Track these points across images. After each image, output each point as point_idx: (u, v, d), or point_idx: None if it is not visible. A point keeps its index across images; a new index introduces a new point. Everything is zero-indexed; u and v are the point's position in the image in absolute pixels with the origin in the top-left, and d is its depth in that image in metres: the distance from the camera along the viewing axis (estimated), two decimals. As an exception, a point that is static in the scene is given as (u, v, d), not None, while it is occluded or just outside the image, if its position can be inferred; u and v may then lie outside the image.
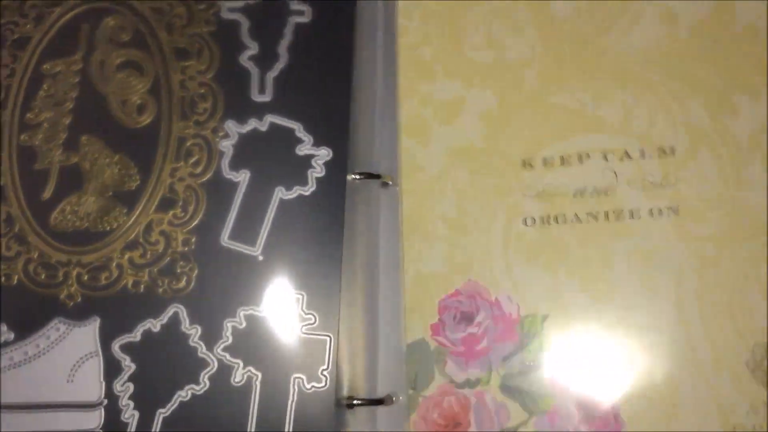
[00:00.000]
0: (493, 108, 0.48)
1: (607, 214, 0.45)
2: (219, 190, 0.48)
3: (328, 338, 0.47)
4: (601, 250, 0.45)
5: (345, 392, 0.46)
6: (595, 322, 0.45)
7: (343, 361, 0.46)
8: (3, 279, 0.47)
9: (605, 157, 0.46)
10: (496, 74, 0.49)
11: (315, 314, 0.47)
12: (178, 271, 0.47)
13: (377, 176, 0.48)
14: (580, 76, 0.47)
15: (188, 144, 0.49)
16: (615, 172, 0.46)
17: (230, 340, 0.46)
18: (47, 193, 0.48)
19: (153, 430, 0.45)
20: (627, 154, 0.46)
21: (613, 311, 0.45)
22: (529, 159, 0.47)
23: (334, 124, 0.49)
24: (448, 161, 0.48)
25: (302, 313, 0.47)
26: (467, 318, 0.46)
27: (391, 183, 0.49)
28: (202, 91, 0.49)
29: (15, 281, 0.47)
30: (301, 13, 0.50)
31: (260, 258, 0.47)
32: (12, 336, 0.46)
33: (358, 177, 0.48)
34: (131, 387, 0.46)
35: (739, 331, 0.43)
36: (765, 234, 0.43)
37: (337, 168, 0.48)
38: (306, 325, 0.47)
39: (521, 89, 0.48)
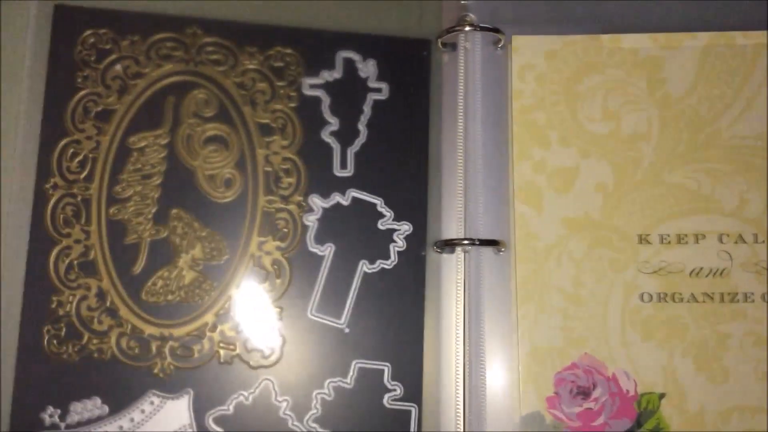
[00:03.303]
0: (608, 180, 0.46)
1: (722, 296, 0.44)
2: (305, 264, 0.46)
3: (412, 409, 0.45)
4: (717, 331, 0.44)
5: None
6: (710, 404, 0.43)
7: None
8: (96, 353, 0.43)
9: (720, 239, 0.45)
10: (611, 146, 0.47)
11: (400, 385, 0.45)
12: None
13: (495, 243, 0.46)
14: (695, 155, 0.46)
15: (274, 218, 0.45)
16: (730, 255, 0.43)
17: (319, 412, 0.44)
18: (138, 267, 0.44)
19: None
20: (741, 238, 0.44)
21: (728, 394, 0.43)
22: (645, 235, 0.45)
23: (413, 198, 0.48)
24: (563, 231, 0.46)
25: (387, 384, 0.45)
26: (584, 392, 0.44)
27: (503, 250, 0.46)
28: (287, 166, 0.46)
29: (108, 355, 0.43)
30: (379, 91, 0.49)
31: (346, 330, 0.45)
32: (107, 410, 0.43)
33: (469, 243, 0.46)
34: (225, 459, 0.43)
35: None
36: None
37: (416, 242, 0.47)
38: (391, 395, 0.45)
39: (638, 163, 0.46)
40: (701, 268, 0.44)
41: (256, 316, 0.45)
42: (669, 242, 0.45)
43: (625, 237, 0.45)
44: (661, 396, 0.43)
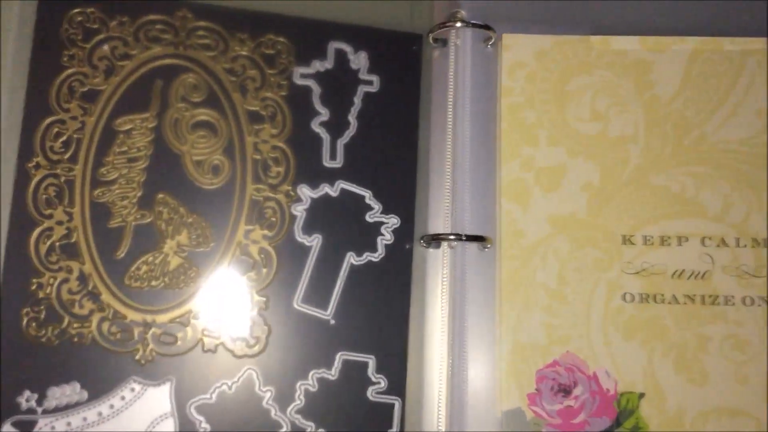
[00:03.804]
0: (595, 180, 0.46)
1: (703, 298, 0.45)
2: (292, 253, 0.46)
3: (396, 402, 0.45)
4: (697, 333, 0.44)
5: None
6: (689, 405, 0.44)
7: (426, 424, 0.44)
8: (76, 338, 0.42)
9: (703, 242, 0.45)
10: (599, 147, 0.47)
11: (383, 378, 0.45)
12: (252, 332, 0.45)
13: (481, 238, 0.46)
14: (681, 159, 0.46)
15: (262, 206, 0.45)
16: (712, 258, 0.44)
17: (303, 403, 0.44)
18: (122, 251, 0.43)
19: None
20: (724, 242, 0.45)
21: (707, 396, 0.43)
22: (629, 235, 0.46)
23: (402, 192, 0.47)
24: (549, 229, 0.46)
25: (371, 376, 0.45)
26: (565, 390, 0.44)
27: (489, 246, 0.46)
28: (275, 154, 0.46)
29: (89, 340, 0.43)
30: (370, 83, 0.48)
31: (332, 322, 0.45)
32: (85, 395, 0.42)
33: (455, 238, 0.45)
34: (205, 448, 0.43)
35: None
36: None
37: (404, 235, 0.47)
38: (375, 388, 0.45)
39: (624, 165, 0.46)
40: (683, 270, 0.45)
41: (242, 304, 0.44)
42: (652, 243, 0.45)
43: (609, 237, 0.46)
44: (641, 396, 0.44)
